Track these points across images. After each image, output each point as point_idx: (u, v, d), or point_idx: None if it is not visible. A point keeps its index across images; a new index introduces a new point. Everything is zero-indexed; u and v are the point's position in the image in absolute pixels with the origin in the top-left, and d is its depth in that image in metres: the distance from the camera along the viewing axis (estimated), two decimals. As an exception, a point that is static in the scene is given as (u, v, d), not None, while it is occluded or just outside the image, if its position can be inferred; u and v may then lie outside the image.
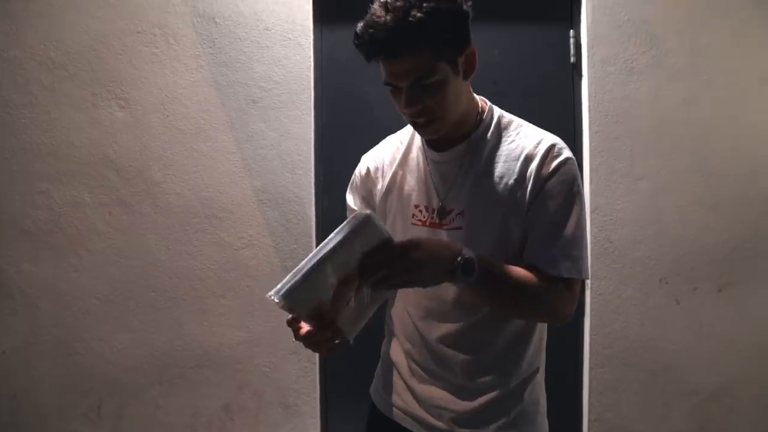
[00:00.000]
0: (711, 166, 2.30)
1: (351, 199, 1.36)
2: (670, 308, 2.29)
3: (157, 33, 2.19)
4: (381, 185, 1.29)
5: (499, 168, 1.17)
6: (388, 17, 1.02)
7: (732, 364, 2.31)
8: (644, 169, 2.27)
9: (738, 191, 2.31)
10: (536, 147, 1.16)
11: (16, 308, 2.14)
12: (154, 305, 2.18)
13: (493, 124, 1.21)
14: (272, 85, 2.20)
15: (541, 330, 1.26)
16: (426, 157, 1.24)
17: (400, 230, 1.24)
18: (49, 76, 2.16)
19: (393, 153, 1.30)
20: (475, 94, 1.23)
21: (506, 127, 1.22)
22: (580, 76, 2.30)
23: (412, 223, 1.22)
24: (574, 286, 1.15)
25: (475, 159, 1.19)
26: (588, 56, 2.26)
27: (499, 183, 1.15)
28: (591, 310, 2.27)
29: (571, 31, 2.31)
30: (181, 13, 2.20)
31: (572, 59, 2.30)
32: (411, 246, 1.00)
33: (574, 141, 2.30)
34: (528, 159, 1.15)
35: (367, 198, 1.32)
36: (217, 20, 2.20)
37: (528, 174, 1.14)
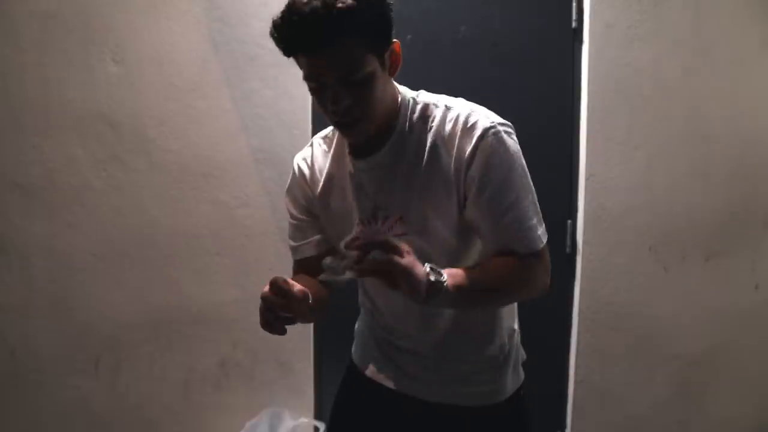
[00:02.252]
0: (706, 136, 2.31)
1: (291, 205, 1.31)
2: (658, 276, 2.34)
3: (153, -15, 2.13)
4: (316, 195, 1.24)
5: (425, 162, 1.10)
6: (316, 3, 0.93)
7: (715, 331, 2.38)
8: (640, 138, 2.28)
9: (731, 163, 2.34)
10: (453, 129, 1.09)
11: (10, 264, 2.13)
12: (149, 263, 2.18)
13: (410, 119, 1.13)
14: (270, 43, 2.15)
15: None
16: (354, 164, 1.18)
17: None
18: (40, 28, 2.09)
19: (323, 158, 1.25)
20: (397, 86, 1.15)
21: (423, 116, 1.13)
22: (581, 42, 2.28)
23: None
24: (543, 254, 1.12)
25: (399, 160, 1.12)
26: (590, 21, 2.23)
27: (428, 178, 1.10)
28: (581, 276, 2.31)
29: (574, -6, 2.28)
30: (177, -35, 2.13)
31: (574, 24, 2.27)
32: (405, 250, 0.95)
33: (572, 107, 2.30)
34: (447, 144, 1.08)
35: (308, 206, 1.27)
36: (214, -27, 2.14)
37: (452, 160, 1.08)
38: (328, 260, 0.99)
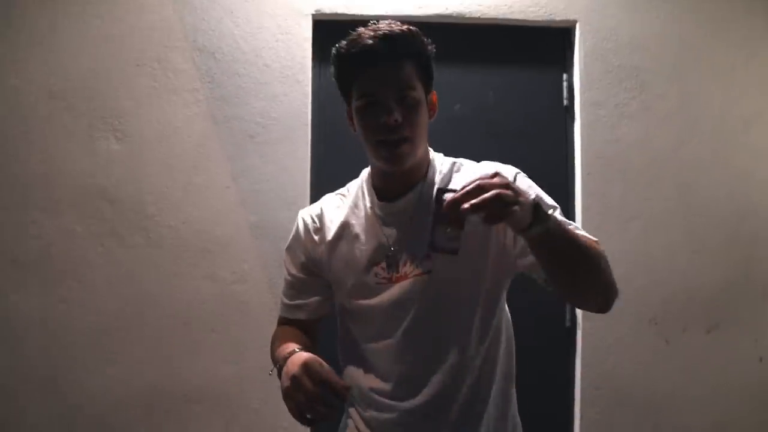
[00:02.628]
0: (699, 207, 2.35)
1: (290, 262, 1.29)
2: (659, 349, 2.31)
3: (157, 66, 2.21)
4: (325, 246, 1.23)
5: None
6: (383, 26, 1.11)
7: (721, 405, 2.32)
8: (635, 211, 2.31)
9: (725, 233, 2.35)
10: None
11: (3, 341, 2.09)
12: (143, 339, 2.15)
13: (439, 170, 1.21)
14: (269, 121, 2.22)
15: (507, 373, 1.24)
16: (374, 212, 1.21)
17: (362, 292, 1.19)
18: (46, 106, 2.16)
19: (335, 211, 1.26)
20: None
21: (452, 170, 1.23)
22: (573, 119, 2.35)
23: (378, 283, 1.18)
24: None
25: (427, 204, 1.15)
26: (580, 100, 2.31)
27: None
28: (582, 350, 2.28)
29: (565, 74, 2.37)
30: (181, 48, 2.22)
31: (565, 102, 2.35)
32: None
33: (567, 182, 2.34)
34: None
35: (308, 263, 1.26)
36: (216, 55, 2.23)
37: None
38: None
